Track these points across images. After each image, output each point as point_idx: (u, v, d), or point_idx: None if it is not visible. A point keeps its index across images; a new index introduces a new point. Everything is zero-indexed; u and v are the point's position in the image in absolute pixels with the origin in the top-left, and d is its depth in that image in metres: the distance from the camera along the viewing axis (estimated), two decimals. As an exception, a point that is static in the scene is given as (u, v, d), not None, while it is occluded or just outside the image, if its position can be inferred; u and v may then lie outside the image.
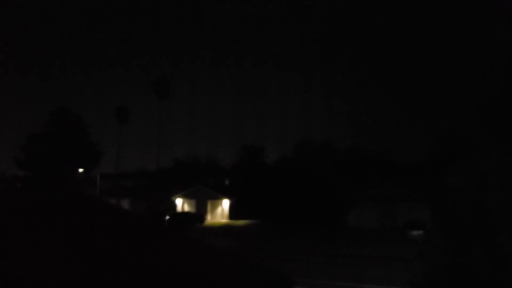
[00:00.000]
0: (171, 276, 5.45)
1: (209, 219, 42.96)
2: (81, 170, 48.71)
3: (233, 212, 43.43)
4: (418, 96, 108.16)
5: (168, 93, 53.41)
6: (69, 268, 5.01)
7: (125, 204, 44.38)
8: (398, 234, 30.13)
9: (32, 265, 5.02)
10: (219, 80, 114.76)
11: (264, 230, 35.89)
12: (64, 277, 4.69)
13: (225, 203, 43.65)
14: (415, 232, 28.51)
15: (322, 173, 42.05)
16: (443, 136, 40.62)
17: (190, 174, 48.71)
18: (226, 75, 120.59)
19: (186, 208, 44.07)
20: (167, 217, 36.84)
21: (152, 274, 5.29)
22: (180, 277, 5.50)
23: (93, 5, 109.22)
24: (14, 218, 7.36)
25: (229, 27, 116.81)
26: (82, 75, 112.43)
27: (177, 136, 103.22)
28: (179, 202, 44.56)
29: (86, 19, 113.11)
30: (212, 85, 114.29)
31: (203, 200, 43.64)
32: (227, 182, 49.18)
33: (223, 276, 6.32)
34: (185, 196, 44.43)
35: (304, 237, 30.76)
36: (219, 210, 43.76)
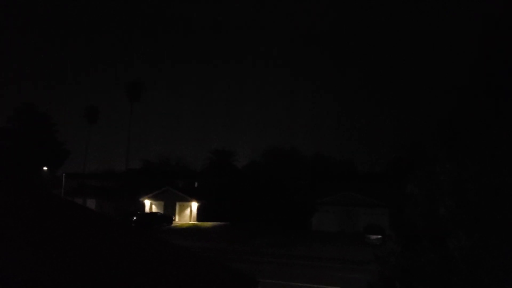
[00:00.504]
0: (136, 275, 5.47)
1: (177, 220, 42.76)
2: (45, 168, 47.32)
3: (201, 214, 43.45)
4: (383, 108, 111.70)
5: (140, 95, 52.84)
6: (31, 268, 4.98)
7: (92, 204, 43.43)
8: (357, 238, 31.21)
9: None
10: (192, 84, 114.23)
11: (231, 232, 36.20)
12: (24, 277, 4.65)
13: (194, 205, 43.59)
14: (373, 237, 29.80)
15: (287, 178, 42.96)
16: (403, 148, 42.61)
17: (159, 176, 48.28)
18: (199, 79, 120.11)
19: (154, 209, 43.65)
20: (134, 218, 36.38)
21: (116, 274, 5.28)
22: (145, 277, 5.52)
23: (69, 4, 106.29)
24: None
25: (202, 28, 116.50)
26: (54, 74, 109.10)
27: (148, 138, 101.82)
28: (147, 203, 44.09)
29: (62, 18, 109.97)
30: (184, 88, 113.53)
31: (172, 201, 43.39)
32: (196, 184, 49.11)
33: (188, 276, 6.39)
34: (154, 198, 44.02)
35: (268, 239, 31.36)
36: (187, 212, 43.64)
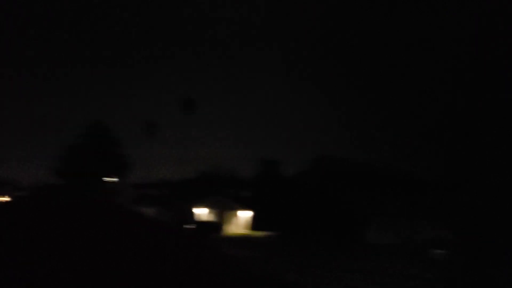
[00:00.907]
0: (191, 279, 5.79)
1: (228, 229, 44.63)
2: (112, 179, 52.14)
3: (252, 224, 44.91)
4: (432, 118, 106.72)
5: (193, 110, 56.77)
6: (97, 267, 5.52)
7: (152, 212, 46.87)
8: (418, 252, 29.49)
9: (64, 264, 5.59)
10: (241, 94, 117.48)
11: (281, 242, 36.65)
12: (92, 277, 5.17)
13: (244, 214, 45.22)
14: (437, 251, 28.02)
15: (339, 187, 43.17)
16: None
17: (211, 185, 50.91)
18: (246, 92, 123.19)
19: (207, 218, 45.94)
20: (188, 226, 38.79)
21: (173, 276, 5.68)
22: (198, 280, 5.79)
23: (126, 22, 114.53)
24: (46, 218, 8.59)
25: (244, 40, 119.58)
26: (118, 92, 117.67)
27: (201, 149, 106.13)
28: (200, 211, 46.54)
29: (122, 37, 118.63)
30: (234, 99, 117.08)
31: (223, 210, 45.28)
32: (246, 193, 51.00)
33: (238, 283, 6.44)
34: (206, 206, 46.30)
35: (320, 250, 31.09)
36: (238, 221, 45.32)
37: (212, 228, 40.63)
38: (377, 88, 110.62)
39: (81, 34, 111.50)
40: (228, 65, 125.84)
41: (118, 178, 54.00)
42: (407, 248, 32.86)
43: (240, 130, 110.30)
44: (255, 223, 45.03)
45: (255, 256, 25.88)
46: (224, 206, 45.38)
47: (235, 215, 45.62)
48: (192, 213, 46.31)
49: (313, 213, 42.60)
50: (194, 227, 39.20)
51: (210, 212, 46.15)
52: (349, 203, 40.06)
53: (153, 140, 58.00)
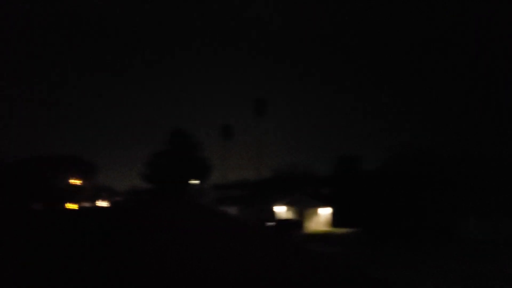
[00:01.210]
0: (280, 277, 5.74)
1: (309, 226, 44.61)
2: (195, 181, 55.08)
3: (333, 221, 44.42)
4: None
5: (265, 110, 57.88)
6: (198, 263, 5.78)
7: (234, 211, 48.52)
8: None
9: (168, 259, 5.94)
10: (313, 92, 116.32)
11: (364, 238, 35.84)
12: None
13: (324, 212, 44.88)
14: None
15: (424, 181, 40.76)
16: None
17: (288, 183, 51.24)
18: (318, 87, 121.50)
19: (287, 216, 46.32)
20: (270, 224, 39.48)
21: (260, 273, 5.68)
22: (286, 278, 5.72)
23: (198, 28, 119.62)
24: (147, 221, 9.08)
25: (316, 41, 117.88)
26: (195, 97, 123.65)
27: (276, 148, 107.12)
28: (279, 210, 47.09)
29: (196, 44, 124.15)
30: (307, 97, 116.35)
31: (303, 208, 45.35)
32: (325, 191, 50.51)
33: (326, 279, 6.24)
34: (286, 204, 46.72)
35: (406, 247, 29.47)
36: (318, 218, 45.12)
37: (292, 225, 40.89)
38: (463, 78, 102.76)
39: (159, 45, 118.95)
40: (300, 64, 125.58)
41: (200, 180, 56.83)
42: (508, 245, 29.22)
43: (316, 128, 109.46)
44: (335, 220, 44.46)
45: (339, 253, 25.68)
46: (304, 204, 45.44)
47: (315, 212, 45.47)
48: (272, 212, 47.00)
49: (397, 208, 40.84)
50: (275, 225, 39.76)
51: (289, 210, 46.51)
52: (437, 198, 37.63)
53: (230, 142, 60.21)
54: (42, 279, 5.09)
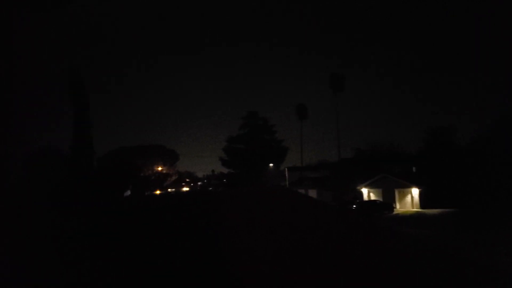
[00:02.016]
0: (367, 262, 5.44)
1: (398, 207, 41.75)
2: (271, 164, 54.35)
3: (423, 200, 41.08)
4: None
5: (343, 86, 54.46)
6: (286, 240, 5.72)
7: (313, 194, 47.18)
8: None
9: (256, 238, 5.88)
10: (392, 65, 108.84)
11: (460, 219, 32.65)
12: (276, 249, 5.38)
13: (414, 191, 41.62)
14: None
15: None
16: None
17: (372, 163, 48.22)
18: (398, 58, 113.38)
19: (372, 197, 43.92)
20: (354, 206, 37.55)
21: (349, 259, 5.43)
22: (372, 262, 5.44)
23: (273, 10, 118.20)
24: (231, 204, 9.02)
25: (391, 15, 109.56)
26: (267, 80, 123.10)
27: (357, 126, 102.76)
28: (364, 191, 44.77)
29: (265, 24, 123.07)
30: (386, 70, 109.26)
31: (390, 188, 42.63)
32: (414, 169, 46.68)
33: (418, 262, 5.96)
34: (370, 185, 44.31)
35: (510, 231, 26.57)
36: (407, 198, 42.07)
37: (378, 207, 38.58)
38: None
39: (231, 31, 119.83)
40: (377, 34, 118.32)
41: (277, 163, 56.05)
42: None
43: (399, 101, 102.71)
44: (426, 200, 40.94)
45: (430, 235, 23.57)
46: (389, 184, 42.62)
47: (402, 192, 42.40)
48: (355, 193, 44.91)
49: (497, 186, 36.61)
50: (358, 207, 37.71)
51: (374, 191, 44.10)
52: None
53: (306, 121, 58.19)
54: (135, 262, 5.30)
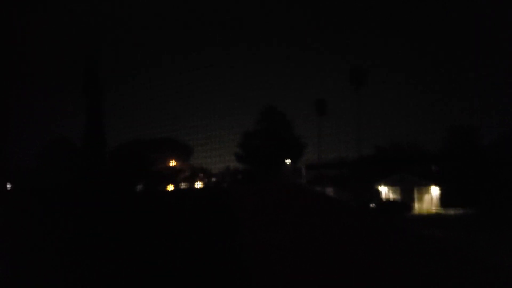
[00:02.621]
0: (384, 265, 5.33)
1: (417, 207, 40.70)
2: (288, 161, 53.57)
3: (444, 200, 40.01)
4: None
5: (364, 81, 53.08)
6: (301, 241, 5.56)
7: (330, 192, 46.36)
8: None
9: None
10: (416, 61, 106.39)
11: (482, 220, 31.69)
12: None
13: (434, 191, 40.56)
14: None
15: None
16: None
17: (392, 161, 47.12)
18: (421, 55, 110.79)
19: (391, 196, 42.97)
20: (373, 205, 36.73)
21: (365, 260, 5.29)
22: (393, 268, 5.27)
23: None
24: (243, 202, 8.74)
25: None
26: (284, 74, 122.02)
27: (377, 123, 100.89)
28: (383, 190, 43.81)
29: (283, 18, 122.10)
30: (409, 67, 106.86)
31: (409, 187, 41.61)
32: (434, 168, 45.49)
33: (441, 272, 5.70)
34: (389, 184, 43.34)
35: None
36: (427, 198, 40.99)
37: (398, 207, 37.72)
38: None
39: (248, 24, 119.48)
40: (399, 28, 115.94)
41: (294, 160, 55.25)
42: None
43: (422, 98, 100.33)
44: (447, 200, 39.91)
45: (451, 237, 22.76)
46: (409, 183, 41.60)
47: (422, 192, 41.37)
48: (374, 192, 43.98)
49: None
50: (377, 206, 36.86)
51: (393, 190, 43.09)
52: None
53: (325, 118, 57.04)
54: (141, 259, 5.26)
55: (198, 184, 60.97)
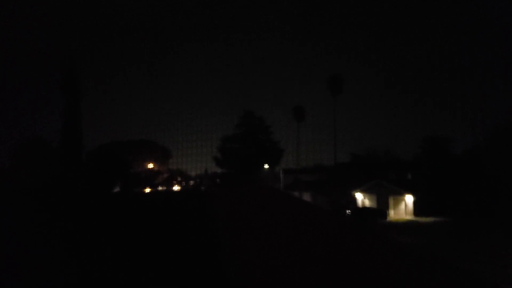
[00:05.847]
0: (359, 268, 5.32)
1: (392, 215, 41.38)
2: (266, 166, 53.71)
3: (418, 208, 40.78)
4: None
5: (341, 89, 53.94)
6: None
7: (307, 197, 46.68)
8: None
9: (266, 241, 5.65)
10: (392, 72, 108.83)
11: (454, 228, 32.50)
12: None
13: (408, 199, 41.27)
14: None
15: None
16: None
17: (368, 168, 47.87)
18: (398, 65, 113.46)
19: (366, 203, 43.49)
20: (348, 211, 37.13)
21: (338, 264, 5.28)
22: (366, 271, 5.28)
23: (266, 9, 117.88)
24: (220, 206, 8.63)
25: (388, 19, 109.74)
26: (263, 80, 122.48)
27: (353, 131, 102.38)
28: (358, 196, 44.34)
29: (264, 23, 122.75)
30: (385, 77, 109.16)
31: (384, 195, 42.23)
32: (409, 176, 46.40)
33: (413, 275, 5.72)
34: (365, 191, 43.89)
35: (503, 238, 26.19)
36: (402, 206, 41.68)
37: (372, 213, 38.23)
38: None
39: (229, 27, 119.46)
40: (375, 41, 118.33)
41: (272, 164, 55.46)
42: None
43: (397, 107, 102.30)
44: (420, 208, 40.69)
45: (423, 244, 23.29)
46: (384, 190, 42.20)
47: (397, 199, 42.03)
48: (349, 199, 44.50)
49: (490, 195, 36.75)
50: (353, 213, 37.30)
51: (368, 197, 43.68)
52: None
53: (303, 124, 57.52)
54: (119, 261, 5.28)
55: (176, 187, 60.34)
